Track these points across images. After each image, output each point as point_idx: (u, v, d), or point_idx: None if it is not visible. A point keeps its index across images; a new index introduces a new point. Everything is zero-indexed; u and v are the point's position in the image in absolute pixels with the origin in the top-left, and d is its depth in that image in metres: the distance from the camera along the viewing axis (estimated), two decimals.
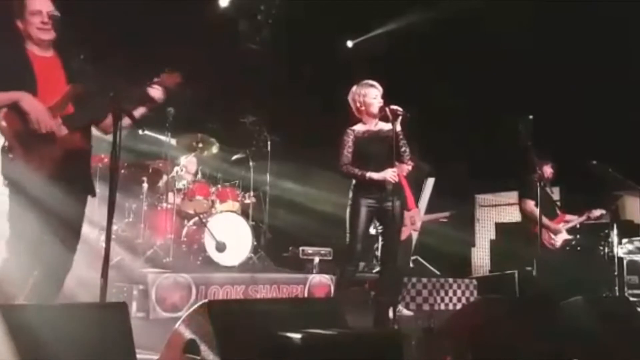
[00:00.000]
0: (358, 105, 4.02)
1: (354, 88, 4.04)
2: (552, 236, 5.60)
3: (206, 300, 2.38)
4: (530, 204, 5.52)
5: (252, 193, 6.29)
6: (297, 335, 2.18)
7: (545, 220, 5.46)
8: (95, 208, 5.72)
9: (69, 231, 2.78)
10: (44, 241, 2.66)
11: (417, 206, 5.71)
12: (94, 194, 2.91)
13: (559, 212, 5.80)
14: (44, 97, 2.63)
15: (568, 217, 5.77)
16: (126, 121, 2.72)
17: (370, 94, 3.96)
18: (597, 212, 5.73)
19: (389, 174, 3.79)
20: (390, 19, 7.68)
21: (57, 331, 1.95)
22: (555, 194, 5.51)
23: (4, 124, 2.56)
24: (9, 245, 2.63)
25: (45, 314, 2.02)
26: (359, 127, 4.02)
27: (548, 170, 5.63)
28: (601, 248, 6.05)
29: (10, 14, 2.78)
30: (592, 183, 6.00)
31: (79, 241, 2.86)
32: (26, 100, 2.55)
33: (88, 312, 2.08)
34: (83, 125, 2.74)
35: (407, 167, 4.39)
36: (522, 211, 5.69)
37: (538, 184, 4.62)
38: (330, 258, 6.53)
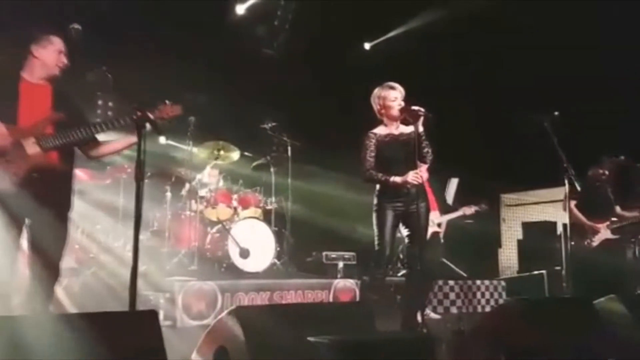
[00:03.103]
0: (378, 107, 4.01)
1: (375, 90, 4.02)
2: (589, 236, 5.45)
3: (234, 307, 2.38)
4: (571, 203, 5.30)
5: (273, 199, 6.29)
6: (327, 340, 2.16)
7: (583, 220, 5.39)
8: (119, 218, 5.83)
9: (50, 240, 2.96)
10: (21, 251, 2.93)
11: (439, 208, 5.66)
12: (68, 208, 3.13)
13: (618, 210, 5.59)
14: (25, 118, 2.94)
15: (623, 213, 5.56)
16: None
17: (389, 96, 3.93)
18: None
19: (411, 177, 3.75)
20: (408, 19, 7.64)
21: (89, 340, 1.96)
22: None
23: None
24: None
25: (76, 322, 2.04)
26: (380, 130, 3.99)
27: (604, 169, 5.51)
28: (632, 246, 5.89)
29: (20, 39, 3.10)
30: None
31: (63, 248, 3.05)
32: None
33: (119, 321, 2.09)
34: (56, 146, 2.98)
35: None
36: (564, 209, 5.58)
37: (567, 182, 4.49)
38: (354, 262, 6.47)
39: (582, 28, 6.50)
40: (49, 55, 3.07)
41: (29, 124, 2.95)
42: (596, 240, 5.45)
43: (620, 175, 5.66)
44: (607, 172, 5.53)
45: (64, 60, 3.11)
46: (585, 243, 5.44)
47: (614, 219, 5.52)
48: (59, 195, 3.04)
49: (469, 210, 5.89)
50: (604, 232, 5.46)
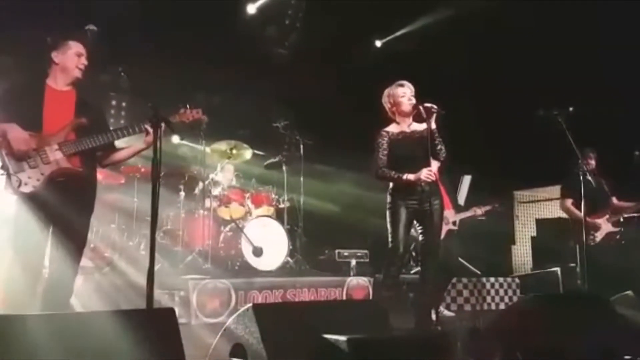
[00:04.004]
0: (389, 105, 4.02)
1: (385, 91, 4.05)
2: (591, 232, 5.40)
3: (250, 305, 2.40)
4: (567, 202, 5.44)
5: (286, 197, 6.31)
6: (343, 338, 2.17)
7: (581, 216, 5.25)
8: (133, 217, 5.88)
9: (68, 241, 3.04)
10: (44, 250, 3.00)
11: (452, 207, 5.64)
12: (91, 211, 3.23)
13: (614, 201, 5.53)
14: (49, 125, 3.04)
15: (621, 204, 5.50)
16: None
17: (398, 94, 3.95)
18: None
19: (424, 174, 3.75)
20: (419, 16, 7.61)
21: (108, 337, 1.99)
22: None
23: None
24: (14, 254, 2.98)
25: (95, 320, 2.07)
26: (392, 128, 4.00)
27: (590, 162, 5.48)
28: None
29: (41, 48, 3.17)
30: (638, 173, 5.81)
31: (82, 249, 3.15)
32: (10, 131, 2.94)
33: (137, 318, 2.11)
34: (77, 152, 3.07)
35: None
36: (562, 210, 5.59)
37: (582, 177, 4.48)
38: (367, 260, 6.49)
39: (595, 25, 6.45)
40: (68, 60, 3.14)
41: (53, 130, 3.04)
42: (599, 236, 5.40)
43: (616, 166, 5.62)
44: (593, 164, 5.49)
45: (84, 62, 3.17)
46: (590, 239, 5.40)
47: (612, 212, 5.46)
48: (82, 199, 3.13)
49: (480, 210, 5.86)
50: (605, 226, 5.41)
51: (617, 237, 5.49)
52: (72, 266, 3.06)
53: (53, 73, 3.16)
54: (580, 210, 5.36)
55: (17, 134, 2.93)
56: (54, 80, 3.16)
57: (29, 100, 3.06)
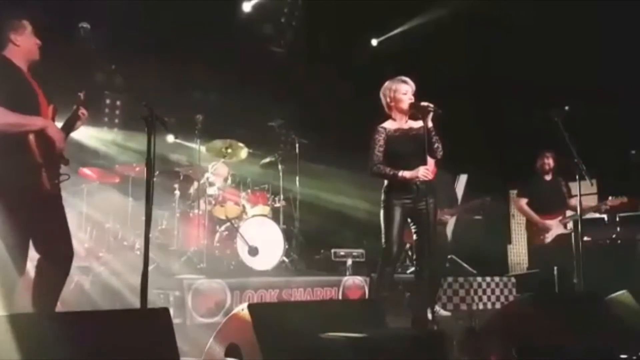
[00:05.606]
0: (388, 100, 3.96)
1: (386, 83, 3.98)
2: (542, 232, 5.46)
3: (246, 304, 2.38)
4: (522, 202, 5.52)
5: (282, 196, 6.30)
6: (339, 337, 2.15)
7: (534, 217, 5.43)
8: (128, 217, 5.86)
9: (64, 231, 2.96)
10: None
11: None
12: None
13: (571, 202, 5.50)
14: (44, 113, 2.89)
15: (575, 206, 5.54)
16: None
17: (400, 90, 3.90)
18: (614, 201, 5.42)
19: (421, 172, 3.73)
20: (415, 15, 7.61)
21: (101, 338, 1.97)
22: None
23: (31, 138, 2.81)
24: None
25: (89, 320, 2.05)
26: (389, 125, 3.96)
27: (548, 161, 5.51)
28: None
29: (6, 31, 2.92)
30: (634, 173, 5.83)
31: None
32: (51, 128, 2.84)
33: (132, 318, 2.09)
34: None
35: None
36: (516, 208, 5.75)
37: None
38: (363, 260, 6.47)
39: (593, 20, 6.46)
40: (28, 40, 2.92)
41: (48, 118, 2.90)
42: (549, 237, 5.42)
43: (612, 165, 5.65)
44: (550, 163, 5.51)
45: (38, 41, 2.95)
46: (540, 240, 5.44)
47: (568, 212, 5.47)
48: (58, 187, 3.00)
49: (469, 205, 5.86)
50: (556, 228, 5.42)
51: (613, 236, 5.51)
52: (65, 263, 2.97)
53: (14, 55, 2.89)
54: (536, 211, 5.43)
55: (57, 132, 2.81)
56: (17, 62, 2.91)
57: (21, 84, 2.86)
